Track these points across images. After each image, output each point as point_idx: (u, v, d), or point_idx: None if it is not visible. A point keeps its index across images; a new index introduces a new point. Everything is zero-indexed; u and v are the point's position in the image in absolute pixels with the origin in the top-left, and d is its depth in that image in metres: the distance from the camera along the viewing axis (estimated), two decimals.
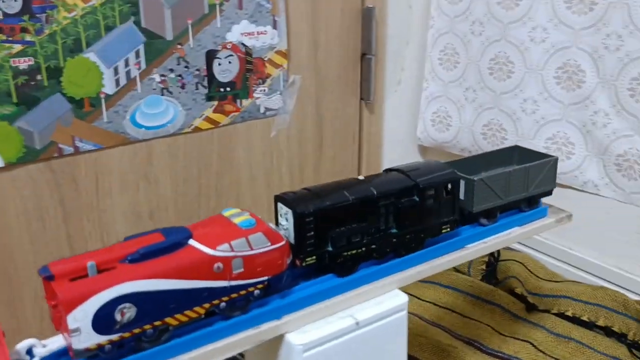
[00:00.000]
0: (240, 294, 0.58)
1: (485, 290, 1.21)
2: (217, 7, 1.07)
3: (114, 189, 1.05)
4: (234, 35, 1.10)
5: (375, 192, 0.67)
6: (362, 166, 1.40)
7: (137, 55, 1.01)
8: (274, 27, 1.14)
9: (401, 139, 1.47)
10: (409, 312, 1.15)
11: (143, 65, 1.02)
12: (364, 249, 0.67)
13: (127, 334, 0.52)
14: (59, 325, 0.52)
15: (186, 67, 1.06)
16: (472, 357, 1.03)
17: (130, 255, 0.53)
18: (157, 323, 0.54)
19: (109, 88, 1.00)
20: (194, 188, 1.14)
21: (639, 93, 1.07)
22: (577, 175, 1.19)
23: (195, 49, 1.07)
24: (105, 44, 0.97)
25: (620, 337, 1.08)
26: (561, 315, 1.14)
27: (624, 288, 1.18)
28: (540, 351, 1.06)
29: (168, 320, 0.54)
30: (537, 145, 1.23)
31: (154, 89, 1.04)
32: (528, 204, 0.83)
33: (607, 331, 1.10)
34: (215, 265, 0.56)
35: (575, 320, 1.13)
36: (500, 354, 1.05)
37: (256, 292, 0.60)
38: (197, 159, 1.13)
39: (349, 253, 0.66)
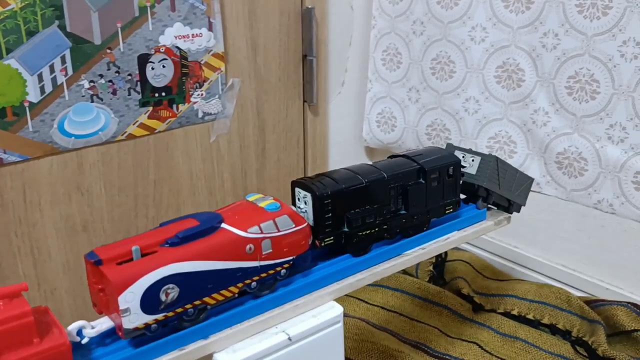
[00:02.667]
0: (269, 274, 0.62)
1: (432, 292, 1.20)
2: (148, 9, 1.03)
3: (44, 202, 1.00)
4: (168, 38, 1.06)
5: (385, 175, 0.71)
6: (308, 169, 1.37)
7: (63, 60, 0.96)
8: (210, 29, 1.11)
9: (347, 140, 1.45)
10: (357, 318, 1.15)
11: (70, 72, 0.97)
12: (376, 229, 0.71)
13: (170, 314, 0.55)
14: (105, 308, 0.55)
15: (117, 72, 1.02)
16: None
17: (170, 239, 0.56)
18: (197, 302, 0.57)
19: (33, 96, 0.95)
20: (131, 198, 1.10)
21: (577, 91, 1.08)
22: None
23: (127, 53, 1.02)
24: (28, 50, 0.92)
25: (565, 334, 1.09)
26: (507, 315, 1.14)
27: (568, 285, 1.19)
28: (487, 352, 1.05)
29: (206, 299, 0.58)
30: (480, 144, 1.23)
31: (83, 96, 0.99)
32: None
33: (552, 329, 1.11)
34: (247, 246, 0.60)
35: (521, 319, 1.13)
36: (447, 357, 1.04)
37: (283, 271, 0.64)
38: (132, 168, 1.09)
39: (363, 233, 0.70)
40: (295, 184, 0.69)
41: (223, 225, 0.59)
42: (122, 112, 1.04)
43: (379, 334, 1.09)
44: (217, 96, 1.16)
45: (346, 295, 1.24)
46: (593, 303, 1.12)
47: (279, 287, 0.64)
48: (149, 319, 0.54)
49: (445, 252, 1.31)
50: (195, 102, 1.13)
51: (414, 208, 0.74)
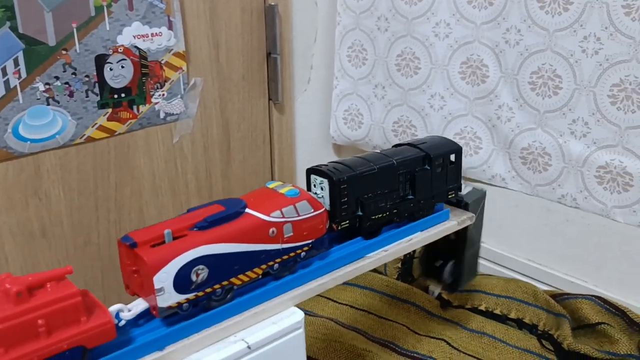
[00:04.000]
0: (290, 256, 0.66)
1: (400, 289, 1.20)
2: (105, 8, 1.00)
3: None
4: (126, 38, 1.04)
5: (394, 162, 0.76)
6: (275, 168, 1.36)
7: (16, 63, 0.93)
8: (170, 28, 1.08)
9: (314, 138, 1.44)
10: (325, 317, 1.14)
11: (24, 74, 0.94)
12: (387, 213, 0.75)
13: (200, 293, 0.59)
14: (139, 289, 0.58)
15: (74, 73, 0.99)
16: None
17: (199, 223, 0.59)
18: (224, 283, 0.61)
19: None
20: (91, 201, 1.07)
21: (540, 87, 1.08)
22: (485, 169, 1.20)
23: (83, 54, 1.00)
24: None
25: (532, 328, 1.10)
26: (475, 310, 1.15)
27: (534, 279, 1.20)
28: (455, 348, 1.05)
29: (233, 280, 0.61)
30: None
31: (38, 99, 0.97)
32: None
33: (519, 323, 1.11)
34: (271, 229, 0.63)
35: (488, 314, 1.14)
36: (415, 354, 1.04)
37: (302, 254, 0.67)
38: (92, 171, 1.06)
39: (376, 217, 0.74)
40: (310, 171, 0.73)
41: (247, 210, 0.63)
42: (80, 115, 1.02)
43: (347, 334, 1.09)
44: (179, 96, 1.14)
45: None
46: (559, 297, 1.13)
47: (298, 268, 0.68)
48: (181, 298, 0.57)
49: (414, 253, 1.31)
50: (156, 103, 1.11)
51: (421, 193, 0.79)
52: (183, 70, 1.13)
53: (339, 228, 0.71)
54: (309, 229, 0.67)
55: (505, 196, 1.19)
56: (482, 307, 1.15)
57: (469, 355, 1.04)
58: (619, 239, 1.07)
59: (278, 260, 0.65)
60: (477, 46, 1.14)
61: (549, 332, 1.08)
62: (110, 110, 1.05)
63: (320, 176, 0.71)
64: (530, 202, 1.17)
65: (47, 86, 0.97)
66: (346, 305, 1.18)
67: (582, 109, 1.04)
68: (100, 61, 1.02)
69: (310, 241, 0.67)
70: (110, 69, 1.04)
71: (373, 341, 1.07)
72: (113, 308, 0.56)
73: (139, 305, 0.58)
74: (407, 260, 1.29)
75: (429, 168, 0.79)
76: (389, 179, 0.75)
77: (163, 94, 1.11)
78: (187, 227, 0.59)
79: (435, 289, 0.96)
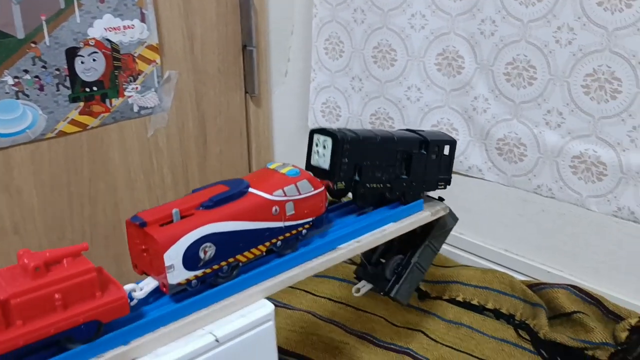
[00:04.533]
0: (292, 234, 0.68)
1: None
2: (75, 1, 0.99)
3: None
4: (97, 30, 1.02)
5: (395, 137, 0.78)
6: (253, 161, 1.35)
7: None
8: (142, 20, 1.07)
9: (292, 131, 1.43)
10: (303, 310, 1.14)
11: None
12: (382, 185, 0.78)
13: (208, 270, 0.61)
14: (148, 268, 0.60)
15: (44, 67, 0.98)
16: (364, 352, 1.01)
17: (205, 203, 0.61)
18: (230, 260, 0.63)
19: None
20: (64, 196, 1.06)
21: (515, 77, 1.08)
22: (462, 161, 1.20)
23: (53, 47, 0.98)
24: None
25: (509, 318, 1.10)
26: (452, 301, 1.15)
27: (511, 269, 1.20)
28: (432, 339, 1.06)
29: (239, 257, 0.63)
30: None
31: (7, 93, 0.95)
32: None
33: (497, 313, 1.12)
34: (273, 208, 0.65)
35: (466, 304, 1.14)
36: (392, 346, 1.04)
37: (304, 231, 0.69)
38: (65, 165, 1.05)
39: (371, 185, 0.76)
40: (314, 131, 0.75)
41: (250, 189, 0.65)
42: (51, 109, 1.00)
43: (325, 326, 1.09)
44: (153, 89, 1.13)
45: (291, 287, 1.23)
46: (535, 287, 1.13)
47: (300, 247, 0.70)
48: (190, 275, 0.59)
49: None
50: (129, 96, 1.10)
51: (415, 175, 0.81)
52: (157, 63, 1.12)
53: (336, 188, 0.73)
54: (310, 207, 0.69)
55: (481, 187, 1.20)
56: (460, 298, 1.15)
57: (446, 346, 1.04)
58: (594, 228, 1.08)
59: (281, 237, 0.67)
60: (452, 37, 1.14)
61: (526, 321, 1.08)
62: (82, 104, 1.04)
63: (324, 135, 0.73)
64: (506, 192, 1.17)
65: (17, 80, 0.95)
66: (324, 298, 1.18)
67: (556, 99, 1.04)
68: (71, 54, 1.01)
69: (311, 219, 0.69)
70: (82, 62, 1.02)
71: (351, 333, 1.07)
72: (126, 287, 0.57)
73: (149, 284, 0.60)
74: None
75: (425, 153, 0.82)
76: (388, 153, 0.78)
77: (136, 88, 1.10)
78: (193, 207, 0.61)
79: (363, 288, 0.90)
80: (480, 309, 1.13)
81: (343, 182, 0.74)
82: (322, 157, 0.74)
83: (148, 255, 0.59)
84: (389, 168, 0.78)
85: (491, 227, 1.22)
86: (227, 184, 0.65)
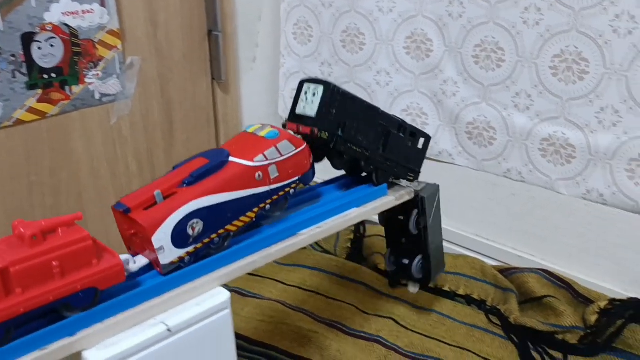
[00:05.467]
0: (279, 195, 0.68)
1: (349, 268, 1.18)
2: None
3: None
4: (54, 15, 0.99)
5: (379, 110, 0.79)
6: None
7: None
8: (102, 4, 1.04)
9: (262, 118, 1.41)
10: (272, 300, 1.12)
11: None
12: (360, 150, 0.77)
13: (199, 245, 0.61)
14: (140, 249, 0.60)
15: None
16: (333, 341, 1.00)
17: (186, 180, 0.61)
18: (220, 232, 0.63)
19: None
20: (24, 186, 1.03)
21: (483, 60, 1.07)
22: (432, 146, 1.18)
23: (8, 32, 0.95)
24: None
25: (480, 304, 1.09)
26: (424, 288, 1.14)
27: (482, 255, 1.19)
28: (402, 326, 1.04)
29: (228, 227, 0.64)
30: None
31: None
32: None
33: (468, 299, 1.11)
34: (256, 174, 0.65)
35: (437, 291, 1.13)
36: (362, 334, 1.03)
37: (291, 191, 0.70)
38: (24, 155, 1.02)
39: (351, 146, 0.76)
40: (305, 80, 0.75)
41: (231, 159, 0.64)
42: (7, 97, 0.97)
43: (294, 315, 1.07)
44: (115, 76, 1.10)
45: (261, 276, 1.22)
46: (506, 272, 1.12)
47: (291, 217, 0.72)
48: (181, 252, 0.60)
49: (364, 228, 1.29)
50: (90, 83, 1.07)
51: (390, 153, 0.81)
52: (118, 49, 1.09)
53: (319, 135, 0.72)
54: (294, 167, 0.69)
55: (452, 172, 1.18)
56: (431, 285, 1.14)
57: (416, 332, 1.03)
58: (563, 211, 1.07)
59: (268, 201, 0.67)
60: (420, 20, 1.12)
61: (497, 307, 1.07)
62: (40, 91, 1.01)
63: (315, 83, 0.74)
64: (476, 177, 1.16)
65: None
66: (294, 286, 1.16)
67: (524, 82, 1.03)
68: (27, 40, 0.97)
69: (296, 178, 0.70)
70: (39, 48, 0.99)
71: (320, 322, 1.06)
72: (122, 258, 0.58)
73: (143, 259, 0.61)
74: (357, 240, 1.28)
75: (402, 135, 0.83)
76: (371, 121, 0.78)
77: (97, 74, 1.07)
78: (175, 185, 0.61)
79: (413, 288, 1.00)
80: (451, 295, 1.12)
81: (327, 133, 0.73)
82: (310, 104, 0.73)
83: (137, 239, 0.60)
84: (370, 135, 0.78)
85: (462, 212, 1.21)
86: (206, 156, 0.64)
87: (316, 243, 1.32)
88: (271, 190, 0.67)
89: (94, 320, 0.55)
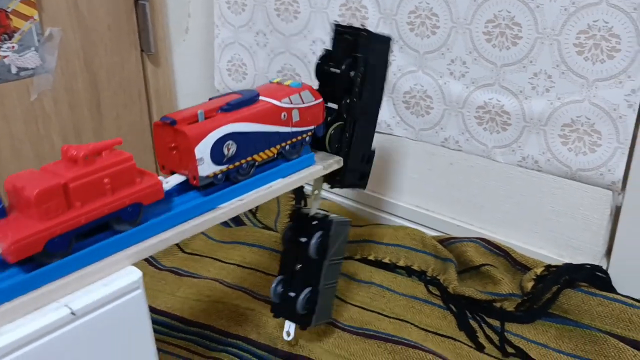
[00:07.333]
0: (298, 139, 0.75)
1: None
2: None
3: None
4: None
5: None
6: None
7: None
8: None
9: (198, 91, 1.36)
10: (210, 279, 1.09)
11: None
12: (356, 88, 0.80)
13: (231, 166, 0.68)
14: (176, 166, 0.66)
15: None
16: (269, 318, 0.97)
17: (223, 107, 0.67)
18: (248, 159, 0.70)
19: None
20: None
21: (418, 26, 1.04)
22: None
23: None
24: None
25: (421, 275, 1.08)
26: (364, 260, 1.12)
27: (423, 225, 1.18)
28: (342, 300, 1.03)
29: (255, 157, 0.70)
30: None
31: None
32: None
33: (408, 270, 1.10)
34: (282, 114, 0.72)
35: (378, 263, 1.12)
36: None
37: (307, 138, 0.77)
38: None
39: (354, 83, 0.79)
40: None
41: (261, 97, 0.71)
42: None
43: (231, 293, 1.04)
44: (33, 49, 1.03)
45: (199, 255, 1.18)
46: (446, 241, 1.11)
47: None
48: (216, 169, 0.66)
49: (305, 202, 1.27)
50: (5, 57, 1.00)
51: (363, 99, 0.81)
52: (35, 20, 1.02)
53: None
54: (312, 116, 0.76)
55: (391, 143, 1.16)
56: (372, 257, 1.12)
57: (355, 306, 1.02)
58: (500, 179, 1.06)
59: (289, 142, 0.74)
60: None
61: (437, 277, 1.07)
62: None
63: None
64: (415, 147, 1.14)
65: None
66: (233, 264, 1.13)
67: (459, 48, 1.01)
68: None
69: (312, 127, 0.76)
70: None
71: (259, 299, 1.03)
72: None
73: (176, 177, 0.66)
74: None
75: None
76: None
77: (13, 47, 1.00)
78: (214, 110, 0.67)
79: (289, 334, 0.88)
80: (392, 267, 1.11)
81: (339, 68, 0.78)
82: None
83: (178, 153, 0.65)
84: (355, 82, 0.80)
85: (401, 184, 1.20)
86: (239, 93, 0.71)
87: (256, 219, 1.29)
88: (292, 132, 0.74)
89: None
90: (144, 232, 0.62)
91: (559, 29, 0.90)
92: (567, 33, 0.90)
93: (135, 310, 0.59)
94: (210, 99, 0.70)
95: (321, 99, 0.77)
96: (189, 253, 1.18)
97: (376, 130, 1.15)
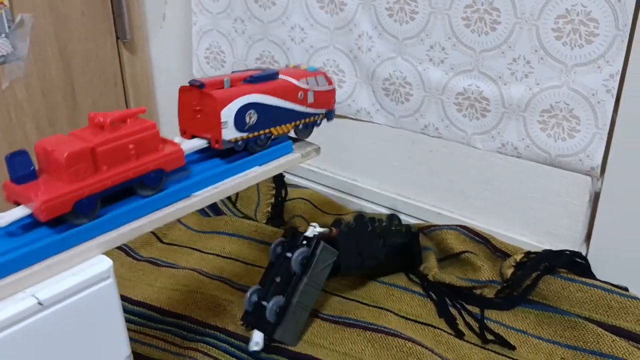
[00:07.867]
0: (311, 120, 0.79)
1: (269, 233, 1.14)
2: None
3: None
4: None
5: None
6: None
7: None
8: None
9: (175, 79, 1.34)
10: (188, 269, 1.07)
11: None
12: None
13: (250, 135, 0.71)
14: (199, 130, 0.69)
15: None
16: None
17: (246, 79, 0.72)
18: (266, 130, 0.73)
19: None
20: None
21: (397, 12, 1.03)
22: (350, 104, 1.15)
23: None
24: None
25: None
26: None
27: (404, 213, 1.18)
28: (323, 290, 1.02)
29: (272, 130, 0.74)
30: None
31: None
32: None
33: None
34: (299, 93, 0.76)
35: None
36: None
37: (319, 120, 0.81)
38: None
39: None
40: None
41: (280, 76, 0.75)
42: None
43: (210, 284, 1.03)
44: (3, 35, 1.01)
45: (178, 245, 1.17)
46: (426, 229, 1.11)
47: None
48: (238, 135, 0.69)
49: (286, 191, 1.26)
50: None
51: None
52: (5, 5, 1.00)
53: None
54: (324, 100, 0.79)
55: (371, 130, 1.15)
56: None
57: (335, 294, 1.01)
58: (480, 166, 1.06)
59: (303, 121, 0.78)
60: None
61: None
62: None
63: None
64: (395, 135, 1.13)
65: None
66: (212, 254, 1.12)
67: (438, 34, 1.00)
68: None
69: (325, 110, 0.80)
70: None
71: (237, 289, 1.02)
72: None
73: (194, 142, 0.69)
74: (277, 203, 1.24)
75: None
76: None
77: None
78: (238, 81, 0.71)
79: (256, 343, 0.85)
80: None
81: None
82: None
83: (202, 116, 0.68)
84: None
85: (382, 172, 1.19)
86: (260, 69, 0.76)
87: (236, 208, 1.28)
88: (307, 112, 0.77)
89: None
90: (116, 220, 0.61)
91: (538, 13, 0.90)
92: (545, 18, 0.89)
93: (105, 301, 0.58)
94: (232, 72, 0.74)
95: (334, 85, 0.81)
96: (167, 243, 1.16)
97: (357, 117, 1.15)
